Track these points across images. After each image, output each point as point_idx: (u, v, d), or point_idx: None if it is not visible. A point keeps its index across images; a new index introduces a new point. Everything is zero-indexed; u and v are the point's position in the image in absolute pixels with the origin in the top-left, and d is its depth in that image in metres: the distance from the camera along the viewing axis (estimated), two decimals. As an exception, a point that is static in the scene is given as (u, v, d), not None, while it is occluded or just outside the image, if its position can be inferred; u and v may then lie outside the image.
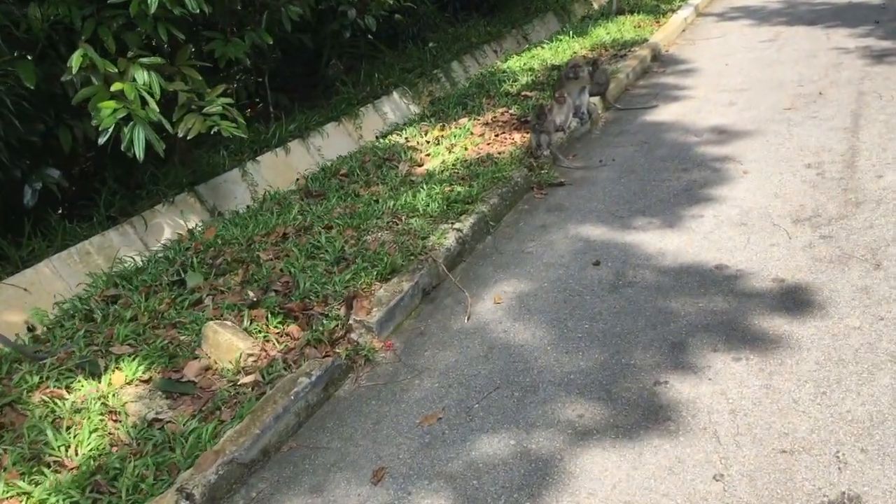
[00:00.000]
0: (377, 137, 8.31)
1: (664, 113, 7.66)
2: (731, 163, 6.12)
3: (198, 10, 5.99)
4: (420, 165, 6.85)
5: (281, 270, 4.88)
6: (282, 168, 8.68)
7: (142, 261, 5.44)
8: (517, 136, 7.27)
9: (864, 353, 3.57)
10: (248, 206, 6.66)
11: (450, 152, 7.01)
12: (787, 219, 5.01)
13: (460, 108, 8.45)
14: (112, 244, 6.19)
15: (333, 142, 9.08)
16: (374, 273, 4.71)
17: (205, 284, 4.85)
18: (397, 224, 5.36)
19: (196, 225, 6.39)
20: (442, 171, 6.51)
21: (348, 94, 10.08)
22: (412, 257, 4.88)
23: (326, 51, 10.65)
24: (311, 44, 10.56)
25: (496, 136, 7.41)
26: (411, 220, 5.36)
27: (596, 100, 7.91)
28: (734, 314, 4.05)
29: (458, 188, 5.95)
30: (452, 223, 5.30)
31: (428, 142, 7.41)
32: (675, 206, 5.51)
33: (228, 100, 6.71)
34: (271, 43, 8.00)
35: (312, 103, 10.51)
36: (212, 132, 6.37)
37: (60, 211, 6.59)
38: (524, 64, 9.96)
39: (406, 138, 7.74)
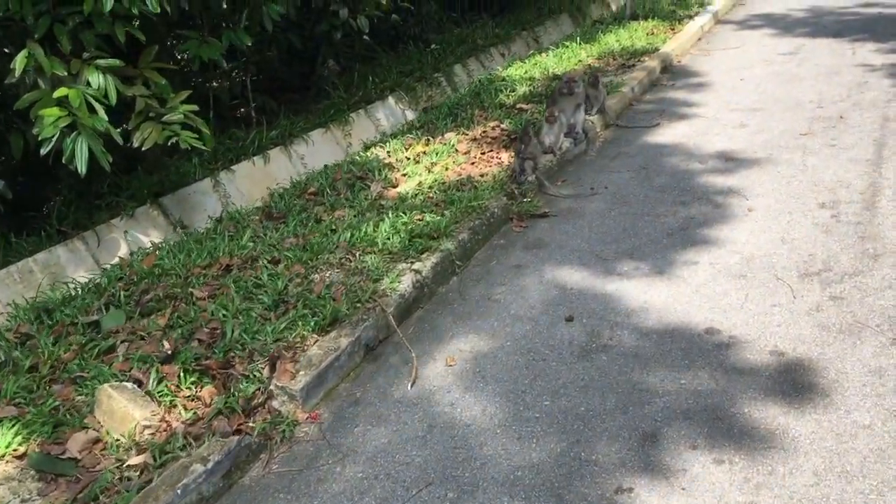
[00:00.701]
0: (358, 150, 7.69)
1: (668, 133, 6.98)
2: (735, 197, 5.44)
3: (158, 10, 5.41)
4: (394, 186, 6.22)
5: (211, 314, 4.28)
6: (259, 178, 8.09)
7: (74, 289, 4.86)
8: (504, 156, 6.62)
9: (873, 464, 2.90)
10: (205, 228, 6.05)
11: (429, 172, 6.37)
12: (793, 272, 4.34)
13: (450, 119, 7.81)
14: (59, 262, 5.63)
15: (319, 150, 8.48)
16: (313, 322, 4.09)
17: (124, 327, 4.26)
18: (350, 261, 4.74)
19: (158, 242, 5.82)
20: (415, 196, 5.89)
21: (339, 99, 9.47)
22: (359, 304, 4.26)
23: (322, 51, 10.06)
24: (300, 44, 9.95)
25: (482, 154, 6.77)
26: (367, 258, 4.74)
27: (595, 118, 7.23)
28: (721, 397, 3.40)
29: (430, 217, 5.33)
30: (412, 262, 4.68)
31: (408, 158, 6.79)
32: (668, 248, 4.85)
33: (192, 107, 6.12)
34: (249, 44, 7.40)
35: (303, 107, 9.92)
36: (169, 143, 5.79)
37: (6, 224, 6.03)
38: (525, 72, 9.30)
39: (389, 152, 7.12)
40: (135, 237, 6.46)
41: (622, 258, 4.83)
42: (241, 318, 4.25)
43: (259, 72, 11.76)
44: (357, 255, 4.81)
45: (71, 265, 5.59)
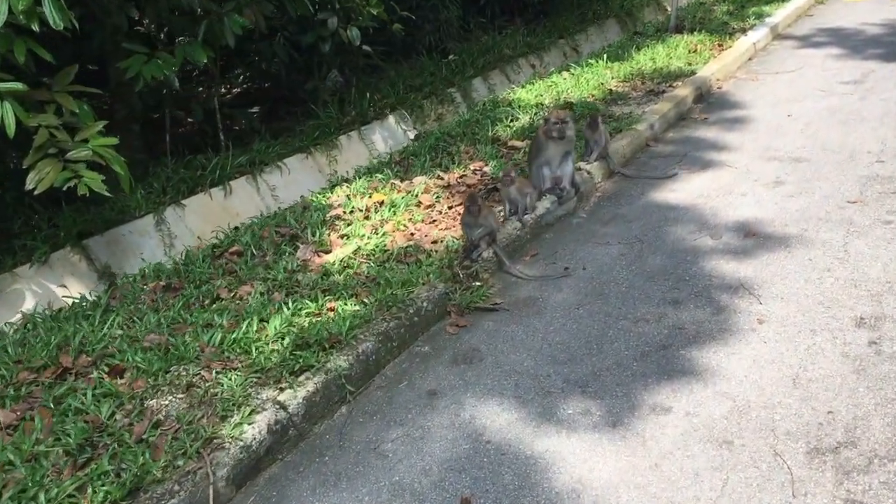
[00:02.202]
0: (318, 191, 6.53)
1: (683, 189, 5.63)
2: (745, 298, 4.09)
3: (61, 27, 4.42)
4: (327, 252, 5.03)
5: (-6, 457, 3.15)
6: (216, 214, 6.98)
7: None
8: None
9: None
10: (92, 297, 4.96)
11: (375, 233, 5.16)
12: (800, 443, 3.01)
13: (430, 156, 6.56)
14: (-62, 319, 4.63)
15: (296, 179, 7.38)
16: (106, 490, 2.92)
17: None
18: (205, 381, 3.55)
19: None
20: (342, 270, 4.69)
21: (329, 118, 8.31)
22: (181, 461, 3.07)
23: (317, 63, 8.94)
24: (286, 57, 8.82)
25: (449, 208, 5.53)
26: (227, 376, 3.56)
27: (594, 166, 5.89)
28: None
29: (344, 307, 4.17)
30: (281, 389, 3.47)
31: (360, 210, 5.58)
32: (637, 379, 3.55)
33: (109, 140, 5.07)
34: (205, 61, 6.34)
35: (290, 127, 8.80)
36: (65, 188, 4.76)
37: None
38: (536, 95, 7.98)
39: (349, 196, 5.95)
40: (46, 288, 5.43)
41: (572, 393, 3.53)
42: (29, 466, 3.12)
43: (252, 87, 10.67)
44: (217, 370, 3.62)
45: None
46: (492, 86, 10.27)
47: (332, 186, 6.68)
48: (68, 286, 5.57)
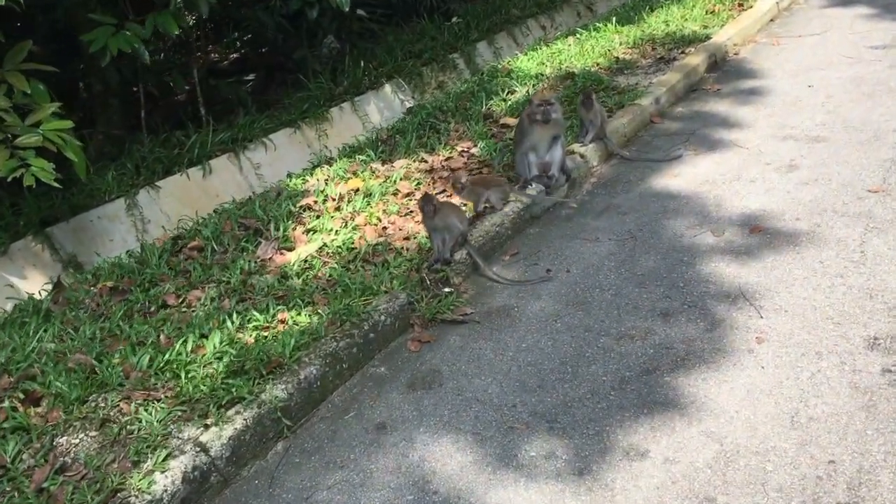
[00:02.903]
0: (294, 175, 6.08)
1: (687, 174, 5.12)
2: (745, 310, 3.63)
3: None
4: (291, 249, 4.59)
5: None
6: (195, 196, 6.59)
7: None
8: (457, 201, 4.88)
9: None
10: (36, 302, 4.59)
11: (345, 226, 4.72)
12: (794, 503, 2.54)
13: (415, 134, 6.07)
14: None
15: (283, 156, 6.96)
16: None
17: None
18: (123, 414, 3.17)
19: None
20: (302, 272, 4.27)
21: (319, 89, 7.84)
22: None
23: (322, 28, 8.47)
24: (274, 24, 8.33)
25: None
26: (150, 408, 3.16)
27: (589, 148, 5.37)
28: None
29: (296, 319, 3.77)
30: (206, 426, 3.05)
31: (334, 199, 5.12)
32: (612, 414, 3.12)
33: (63, 124, 4.70)
34: (177, 32, 5.93)
35: (279, 99, 8.34)
36: (9, 179, 4.40)
37: None
38: (539, 63, 7.42)
39: (326, 180, 5.51)
40: (4, 282, 5.10)
41: (537, 430, 3.10)
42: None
43: (250, 53, 10.14)
44: (139, 401, 3.22)
45: None
46: (497, 50, 9.70)
47: (314, 167, 6.26)
48: (29, 278, 5.24)
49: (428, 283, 4.02)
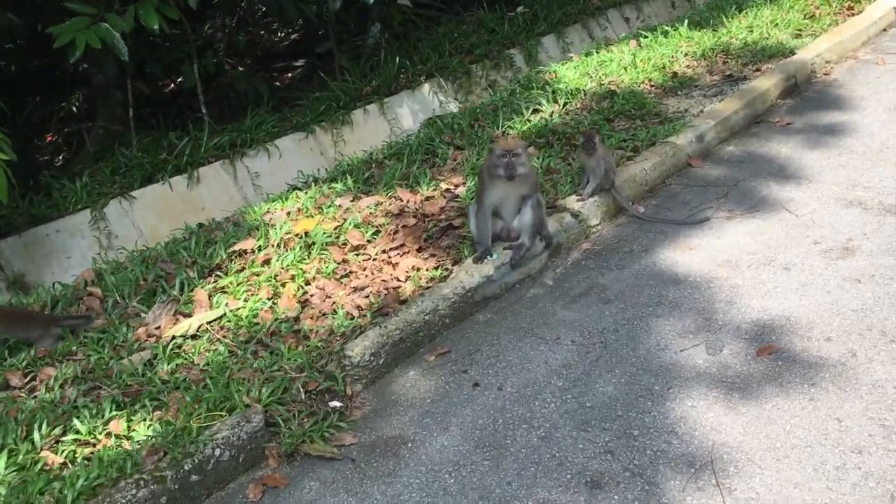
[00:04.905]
0: (250, 200, 5.31)
1: (708, 246, 4.00)
2: (706, 493, 2.57)
3: None
4: (189, 315, 3.78)
5: None
6: (177, 209, 5.96)
7: None
8: (409, 263, 3.95)
9: None
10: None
11: (260, 290, 3.85)
12: None
13: (406, 161, 5.16)
14: None
15: (289, 163, 6.30)
16: None
17: None
18: None
19: None
20: (176, 356, 3.42)
21: (346, 87, 7.06)
22: None
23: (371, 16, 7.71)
24: (297, 15, 7.59)
25: (383, 251, 4.14)
26: None
27: (591, 202, 4.28)
28: None
29: (135, 430, 2.94)
30: None
31: (274, 245, 4.26)
32: None
33: None
34: (156, 27, 5.31)
35: (299, 96, 7.59)
36: None
37: None
38: (582, 74, 6.29)
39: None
40: None
41: None
42: None
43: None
44: None
45: None
46: (567, 45, 8.62)
47: (293, 190, 5.44)
48: (-32, 299, 4.64)
49: (307, 397, 3.08)
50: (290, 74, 9.84)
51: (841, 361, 3.05)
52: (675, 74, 6.05)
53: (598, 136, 4.20)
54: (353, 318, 3.56)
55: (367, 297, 3.76)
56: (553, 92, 6.01)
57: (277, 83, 9.45)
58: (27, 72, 7.25)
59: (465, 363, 3.37)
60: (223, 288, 3.93)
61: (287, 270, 4.01)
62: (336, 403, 3.11)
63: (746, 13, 7.31)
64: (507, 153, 3.61)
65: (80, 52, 5.05)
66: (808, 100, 5.68)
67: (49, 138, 7.37)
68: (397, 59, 7.58)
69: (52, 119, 7.17)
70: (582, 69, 6.45)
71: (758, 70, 5.97)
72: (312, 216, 4.58)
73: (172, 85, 7.99)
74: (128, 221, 5.87)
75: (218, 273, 4.04)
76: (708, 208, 4.35)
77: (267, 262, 4.13)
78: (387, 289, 3.82)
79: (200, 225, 4.85)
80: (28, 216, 5.65)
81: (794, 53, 6.09)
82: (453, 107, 7.61)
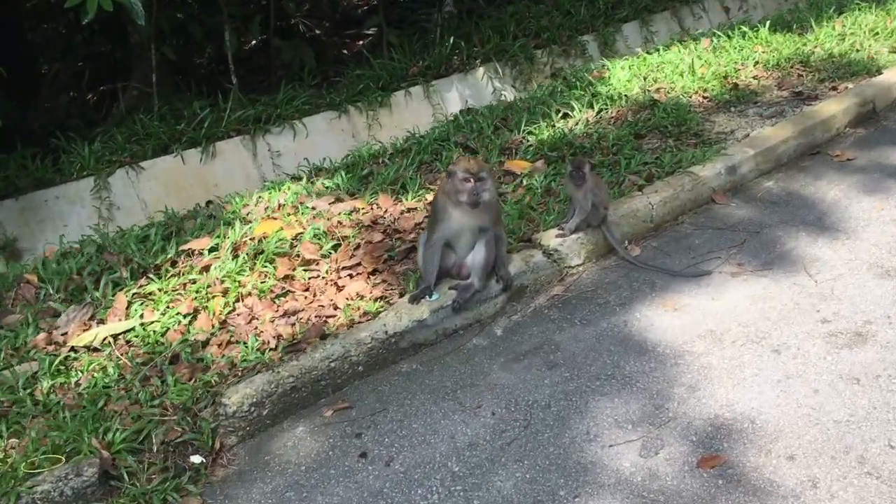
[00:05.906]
0: (253, 190, 5.05)
1: (695, 309, 3.43)
2: None
3: None
4: (86, 329, 3.52)
5: None
6: (186, 183, 5.83)
7: None
8: (355, 288, 3.55)
9: None
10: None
11: (182, 300, 3.54)
12: None
13: (405, 164, 4.74)
14: None
15: (315, 143, 6.15)
16: None
17: None
18: None
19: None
20: (55, 375, 3.17)
21: (390, 67, 6.74)
22: None
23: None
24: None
25: (336, 271, 3.75)
26: None
27: (566, 242, 3.72)
28: None
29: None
30: None
31: (227, 249, 3.95)
32: None
33: None
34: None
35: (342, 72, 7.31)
36: None
37: None
38: (634, 76, 5.64)
39: (266, 206, 4.38)
40: None
41: None
42: None
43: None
44: None
45: None
46: (652, 34, 8.02)
47: (293, 179, 5.12)
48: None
49: (175, 458, 2.72)
50: (360, 42, 9.49)
51: (795, 492, 2.44)
52: (735, 86, 5.31)
53: (589, 164, 3.60)
54: (262, 353, 3.17)
55: (293, 324, 3.37)
56: (593, 95, 5.38)
57: (346, 51, 9.11)
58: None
59: (362, 424, 2.93)
60: (149, 294, 3.62)
61: (222, 282, 3.64)
62: (197, 458, 2.74)
63: (846, 17, 6.37)
64: (472, 177, 3.11)
65: (91, 14, 4.81)
66: (885, 131, 4.85)
67: (88, 97, 7.28)
68: (451, 38, 7.12)
69: (84, 77, 7.05)
70: (636, 69, 5.77)
71: (834, 88, 5.17)
72: (286, 217, 4.21)
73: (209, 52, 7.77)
74: (132, 193, 5.69)
75: (151, 276, 3.72)
76: (715, 258, 3.72)
77: (206, 268, 3.78)
78: (318, 317, 3.42)
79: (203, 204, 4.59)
80: (32, 179, 5.53)
81: (880, 73, 5.21)
82: (509, 95, 7.12)
